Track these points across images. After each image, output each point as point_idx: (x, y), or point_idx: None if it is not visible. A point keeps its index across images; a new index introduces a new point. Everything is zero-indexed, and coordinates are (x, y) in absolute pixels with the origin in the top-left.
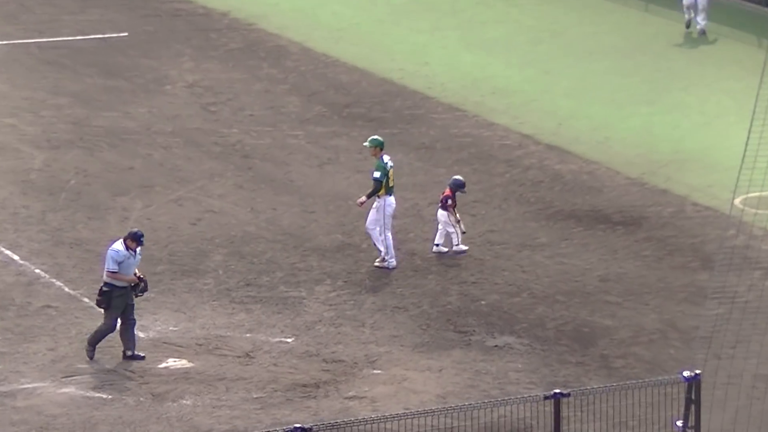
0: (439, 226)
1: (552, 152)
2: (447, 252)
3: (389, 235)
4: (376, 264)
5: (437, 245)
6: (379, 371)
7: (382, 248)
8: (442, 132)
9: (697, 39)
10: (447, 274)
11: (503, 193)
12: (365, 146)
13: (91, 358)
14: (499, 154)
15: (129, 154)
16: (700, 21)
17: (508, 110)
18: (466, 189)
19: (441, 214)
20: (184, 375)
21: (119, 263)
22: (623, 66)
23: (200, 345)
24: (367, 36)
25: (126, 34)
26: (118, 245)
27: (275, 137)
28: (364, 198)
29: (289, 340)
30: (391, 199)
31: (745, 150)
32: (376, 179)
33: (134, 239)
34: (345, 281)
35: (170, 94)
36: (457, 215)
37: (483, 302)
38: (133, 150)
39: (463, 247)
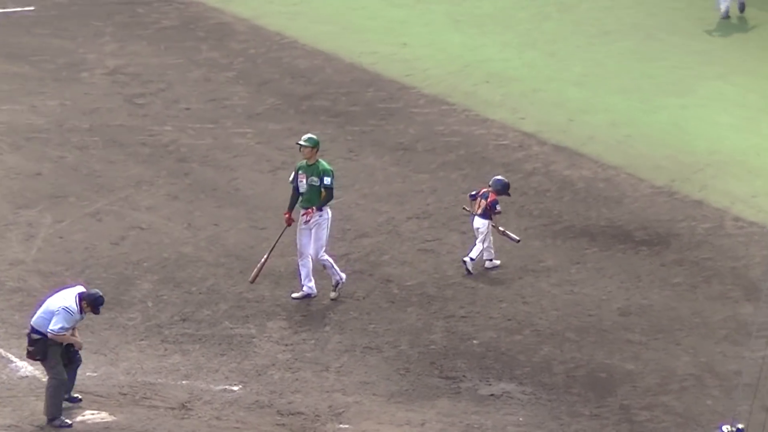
0: (479, 239)
1: (560, 154)
2: (471, 273)
3: (325, 261)
4: (333, 297)
5: (472, 260)
6: (346, 426)
7: (341, 275)
8: (424, 130)
9: (737, 17)
10: (431, 306)
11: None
12: (301, 146)
13: (69, 425)
14: (495, 157)
15: (36, 157)
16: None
17: (506, 102)
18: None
19: (482, 223)
20: (104, 431)
21: (68, 327)
22: (647, 48)
23: (124, 394)
24: (331, 11)
25: (32, 8)
26: (72, 303)
27: (218, 136)
28: (313, 213)
29: (235, 388)
30: (329, 211)
31: None
32: (329, 187)
33: (93, 305)
34: (304, 315)
35: (87, 83)
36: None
37: (475, 341)
38: (41, 152)
39: (497, 262)
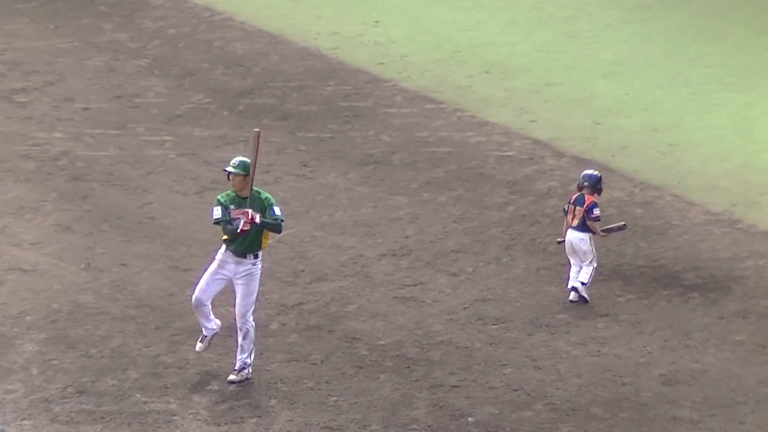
0: (582, 260)
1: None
2: (587, 301)
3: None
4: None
5: (584, 284)
6: None
7: (249, 355)
8: (402, 137)
9: None
10: (411, 373)
11: (504, 237)
12: (229, 172)
13: None
14: (497, 173)
15: None
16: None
17: (511, 100)
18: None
19: (581, 237)
20: None
21: None
22: (701, 26)
23: None
24: None
25: None
26: None
27: (125, 146)
28: (253, 218)
29: None
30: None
31: None
32: (279, 221)
33: None
34: (242, 385)
35: None
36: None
37: (470, 418)
38: None
39: (585, 295)
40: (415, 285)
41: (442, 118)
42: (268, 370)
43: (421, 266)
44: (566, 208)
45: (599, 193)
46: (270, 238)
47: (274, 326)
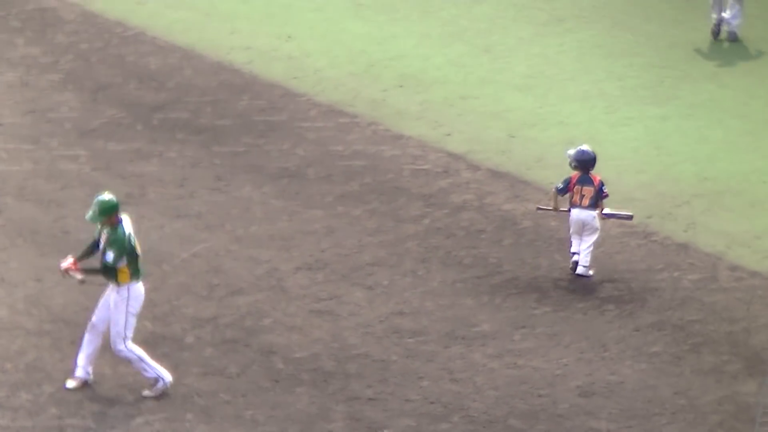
0: (593, 237)
1: (499, 182)
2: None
3: (133, 347)
4: (146, 393)
5: (586, 268)
6: None
7: (162, 375)
8: (316, 150)
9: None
10: (328, 386)
11: (419, 250)
12: (88, 219)
13: None
14: (412, 186)
15: None
16: (731, 20)
17: (426, 113)
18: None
19: (593, 216)
20: None
21: None
22: (615, 40)
23: None
24: None
25: None
26: None
27: (39, 160)
28: (80, 276)
29: None
30: (139, 288)
31: None
32: (108, 264)
33: None
34: (157, 400)
35: None
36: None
37: (387, 431)
38: None
39: (592, 272)
40: (331, 298)
41: (357, 131)
42: (184, 384)
43: (336, 279)
44: (560, 187)
45: (594, 168)
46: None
47: (189, 340)
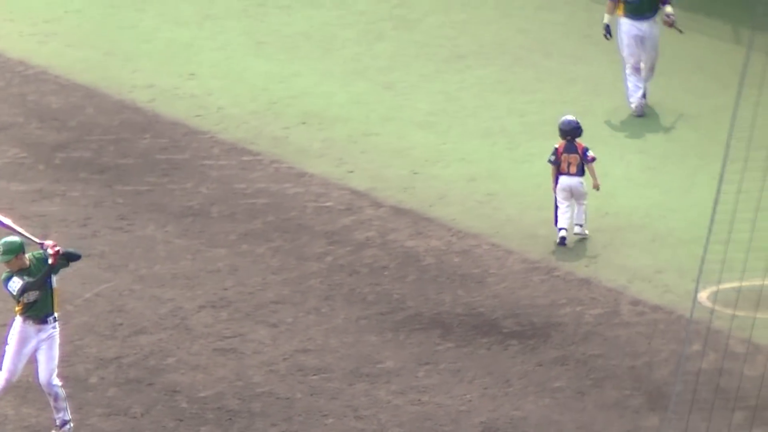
0: (577, 201)
1: (402, 219)
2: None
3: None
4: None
5: (580, 226)
6: None
7: (66, 414)
8: (220, 188)
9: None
10: (233, 424)
11: (323, 287)
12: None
13: None
14: (315, 224)
15: None
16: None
17: (329, 150)
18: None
19: (580, 182)
20: None
21: None
22: (516, 77)
23: None
24: (92, 32)
25: None
26: None
27: None
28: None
29: None
30: (48, 328)
31: (714, 213)
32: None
33: None
34: None
35: None
36: None
37: None
38: None
39: (587, 232)
40: (235, 336)
41: (260, 169)
42: (88, 425)
43: (240, 317)
44: (552, 159)
45: (579, 136)
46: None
47: (93, 380)
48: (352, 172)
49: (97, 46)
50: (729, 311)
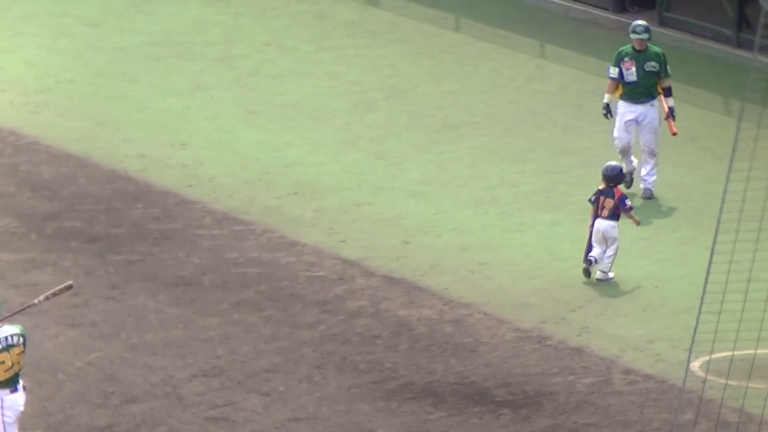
0: (607, 245)
1: (394, 288)
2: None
3: None
4: None
5: (605, 273)
6: None
7: None
8: (212, 258)
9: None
10: None
11: (315, 356)
12: None
13: None
14: (308, 293)
15: None
16: (647, 177)
17: (321, 220)
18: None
19: (612, 227)
20: None
21: None
22: (507, 147)
23: None
24: (84, 102)
25: None
26: None
27: None
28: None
29: None
30: (17, 398)
31: (705, 283)
32: None
33: None
34: None
35: None
36: None
37: None
38: None
39: (612, 275)
40: (227, 405)
41: (252, 239)
42: None
43: (232, 386)
44: (592, 199)
45: (621, 184)
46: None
47: None
48: (344, 241)
49: (89, 116)
50: (721, 380)
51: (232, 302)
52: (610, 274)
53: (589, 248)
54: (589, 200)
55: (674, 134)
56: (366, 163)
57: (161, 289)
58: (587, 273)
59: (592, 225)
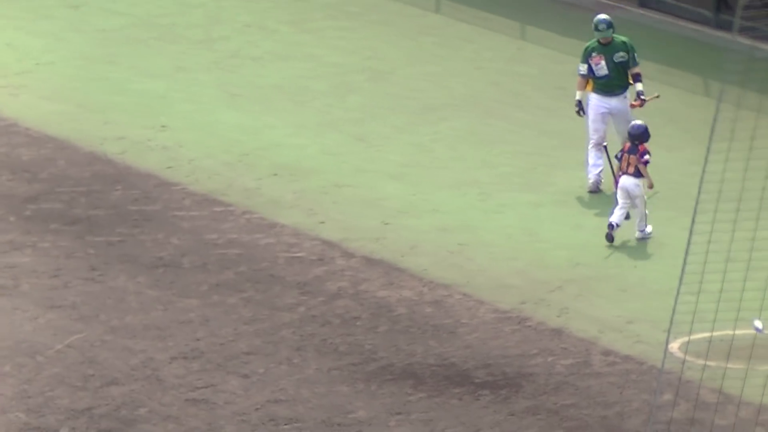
0: (634, 204)
1: (374, 269)
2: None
3: None
4: None
5: (642, 231)
6: None
7: None
8: (192, 239)
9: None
10: None
11: (295, 338)
12: None
13: None
14: (287, 274)
15: None
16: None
17: (301, 202)
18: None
19: (635, 182)
20: None
21: None
22: (488, 128)
23: None
24: (63, 84)
25: None
26: None
27: None
28: None
29: None
30: None
31: (684, 264)
32: None
33: None
34: None
35: None
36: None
37: None
38: None
39: (649, 229)
40: (207, 387)
41: (231, 220)
42: None
43: (212, 368)
44: (618, 156)
45: (647, 141)
46: None
47: (64, 431)
48: (323, 222)
49: (69, 98)
50: (700, 361)
51: (211, 284)
52: (648, 229)
53: (614, 210)
54: (616, 156)
55: (633, 107)
56: (346, 144)
57: (141, 271)
58: (610, 238)
59: (616, 183)
